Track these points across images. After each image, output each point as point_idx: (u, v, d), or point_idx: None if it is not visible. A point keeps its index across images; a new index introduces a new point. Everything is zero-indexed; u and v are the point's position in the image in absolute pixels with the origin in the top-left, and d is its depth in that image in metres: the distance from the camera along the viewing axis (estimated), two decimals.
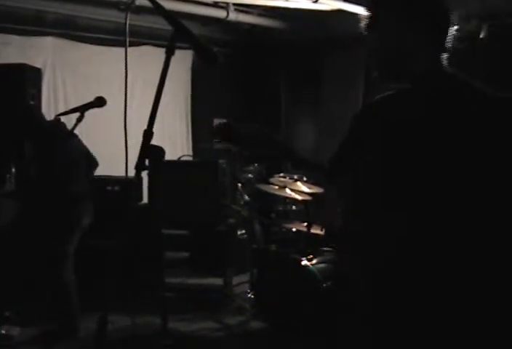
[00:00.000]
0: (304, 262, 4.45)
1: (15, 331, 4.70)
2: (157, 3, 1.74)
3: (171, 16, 1.69)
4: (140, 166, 1.66)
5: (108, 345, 1.73)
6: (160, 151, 1.69)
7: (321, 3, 6.20)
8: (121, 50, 6.19)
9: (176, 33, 1.68)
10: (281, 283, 4.61)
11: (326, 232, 4.61)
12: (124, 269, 1.75)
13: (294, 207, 5.93)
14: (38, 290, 4.86)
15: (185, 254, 6.35)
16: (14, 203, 5.16)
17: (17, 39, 6.27)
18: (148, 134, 1.67)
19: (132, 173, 1.79)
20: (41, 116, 4.96)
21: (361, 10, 6.28)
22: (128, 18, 2.21)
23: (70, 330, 4.55)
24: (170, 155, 3.87)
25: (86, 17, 6.66)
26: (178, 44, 1.70)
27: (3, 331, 4.65)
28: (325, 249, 4.77)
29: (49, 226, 4.47)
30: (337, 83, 7.43)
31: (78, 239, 4.63)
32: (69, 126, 4.44)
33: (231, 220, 5.99)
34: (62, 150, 4.68)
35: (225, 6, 6.66)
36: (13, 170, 5.25)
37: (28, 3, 6.08)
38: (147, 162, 1.69)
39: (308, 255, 4.52)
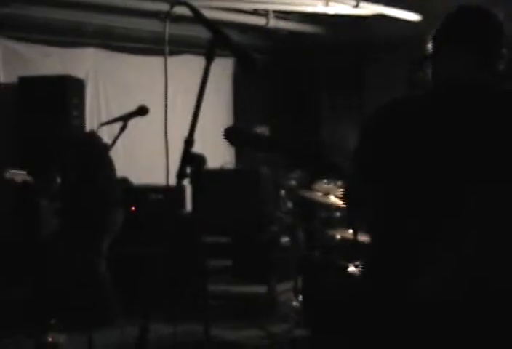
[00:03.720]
0: (351, 269, 4.40)
1: (61, 338, 4.74)
2: (196, 9, 1.74)
3: (210, 22, 1.69)
4: (181, 174, 1.65)
5: None
6: (201, 159, 1.68)
7: (361, 7, 6.15)
8: (160, 59, 6.24)
9: (215, 39, 1.68)
10: (327, 290, 4.56)
11: None
12: (166, 277, 1.74)
13: (338, 214, 5.87)
14: (78, 293, 4.95)
15: (228, 262, 6.33)
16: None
17: (58, 51, 6.37)
18: (189, 141, 1.66)
19: (172, 181, 1.78)
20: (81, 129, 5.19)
21: (400, 14, 6.23)
22: (167, 27, 2.20)
23: (108, 320, 4.78)
24: (212, 163, 3.86)
25: (125, 27, 6.74)
26: (219, 52, 1.69)
27: (49, 339, 4.69)
28: None
29: (86, 228, 4.79)
30: (378, 87, 7.35)
31: (111, 240, 5.02)
32: (111, 136, 4.52)
33: (274, 227, 5.96)
34: (100, 159, 4.89)
35: (265, 14, 6.66)
36: (58, 179, 5.34)
37: (67, 15, 6.17)
38: (188, 170, 1.68)
39: (355, 262, 4.47)
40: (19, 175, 4.77)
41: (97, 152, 5.03)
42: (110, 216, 5.03)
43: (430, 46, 1.86)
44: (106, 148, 4.76)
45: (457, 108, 1.70)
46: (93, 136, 5.08)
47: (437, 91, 1.81)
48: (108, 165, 5.08)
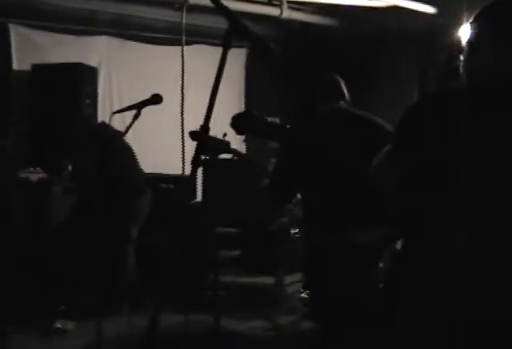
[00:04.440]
0: None
1: (70, 325, 4.77)
2: None
3: (228, 11, 1.68)
4: (196, 161, 1.65)
5: (160, 342, 1.72)
6: (220, 143, 1.69)
7: None
8: (174, 49, 6.26)
9: (232, 27, 1.67)
10: (336, 282, 4.55)
11: None
12: (176, 266, 1.74)
13: None
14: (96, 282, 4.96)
15: (237, 253, 6.34)
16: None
17: (72, 39, 6.38)
18: (205, 129, 1.65)
19: (186, 171, 1.78)
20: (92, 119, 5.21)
21: (415, 6, 6.19)
22: (184, 17, 2.20)
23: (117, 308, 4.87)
24: (223, 154, 3.88)
25: (140, 16, 6.72)
26: (232, 42, 1.68)
27: (58, 325, 4.72)
28: None
29: (112, 216, 4.73)
30: (390, 80, 7.32)
31: (139, 227, 5.11)
32: (123, 124, 4.53)
33: (284, 219, 5.95)
34: (117, 147, 4.89)
35: (279, 4, 6.63)
36: (69, 167, 5.37)
37: (81, 3, 6.17)
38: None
39: None
40: (34, 173, 4.80)
41: (109, 141, 5.04)
42: (130, 203, 5.07)
43: (468, 38, 1.82)
44: (118, 137, 4.77)
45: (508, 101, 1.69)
46: (105, 127, 5.08)
47: (485, 84, 1.77)
48: (122, 153, 5.09)
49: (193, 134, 3.08)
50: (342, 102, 3.17)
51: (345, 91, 3.23)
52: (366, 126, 3.05)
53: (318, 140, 3.03)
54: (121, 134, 4.55)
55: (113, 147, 5.04)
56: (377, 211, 2.70)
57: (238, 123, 2.89)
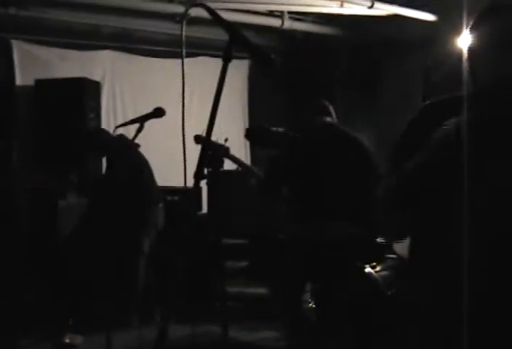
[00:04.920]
0: (367, 270, 4.38)
1: (78, 339, 4.76)
2: (213, 10, 1.74)
3: (227, 23, 1.69)
4: (198, 174, 1.65)
5: None
6: (219, 148, 1.71)
7: (376, 8, 6.13)
8: (176, 61, 6.29)
9: (232, 39, 1.68)
10: (344, 291, 4.54)
11: None
12: (183, 278, 1.74)
13: None
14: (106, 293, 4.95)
15: (244, 263, 6.32)
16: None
17: (75, 53, 6.41)
18: (207, 140, 1.66)
19: (189, 183, 1.79)
20: (103, 132, 5.24)
21: (416, 14, 6.20)
22: (184, 29, 2.21)
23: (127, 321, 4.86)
24: (227, 165, 3.90)
25: (142, 29, 6.75)
26: (234, 53, 1.69)
27: (66, 340, 4.71)
28: (389, 255, 4.68)
29: (125, 227, 4.72)
30: (394, 88, 7.33)
31: (153, 239, 5.13)
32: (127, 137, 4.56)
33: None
34: (131, 158, 4.94)
35: (280, 15, 6.65)
36: (75, 180, 5.40)
37: (84, 18, 6.19)
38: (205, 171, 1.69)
39: (372, 262, 4.45)
40: None
41: (124, 153, 5.08)
42: (150, 214, 5.15)
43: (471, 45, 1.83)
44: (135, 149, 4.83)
45: None
46: (123, 139, 5.11)
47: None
48: (141, 162, 5.18)
49: (197, 138, 3.68)
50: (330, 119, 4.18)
51: (333, 112, 4.25)
52: (349, 139, 4.09)
53: (313, 146, 3.95)
54: (136, 146, 4.62)
55: (130, 159, 5.07)
56: (353, 211, 3.71)
57: (252, 135, 3.64)
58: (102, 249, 4.90)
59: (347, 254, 3.92)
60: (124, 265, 4.87)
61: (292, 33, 7.20)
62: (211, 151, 2.67)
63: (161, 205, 5.27)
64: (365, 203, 3.71)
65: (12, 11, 5.63)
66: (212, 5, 1.79)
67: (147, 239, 5.10)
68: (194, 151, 1.74)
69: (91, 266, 5.11)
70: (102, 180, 5.36)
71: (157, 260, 5.23)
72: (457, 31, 5.34)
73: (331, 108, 4.26)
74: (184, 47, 2.15)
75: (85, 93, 5.80)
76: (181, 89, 2.17)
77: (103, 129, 5.67)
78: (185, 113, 2.22)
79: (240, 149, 7.89)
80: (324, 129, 4.13)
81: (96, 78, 6.28)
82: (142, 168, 5.17)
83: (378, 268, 4.39)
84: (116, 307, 4.67)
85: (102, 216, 4.97)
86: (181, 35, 2.14)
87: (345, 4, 6.12)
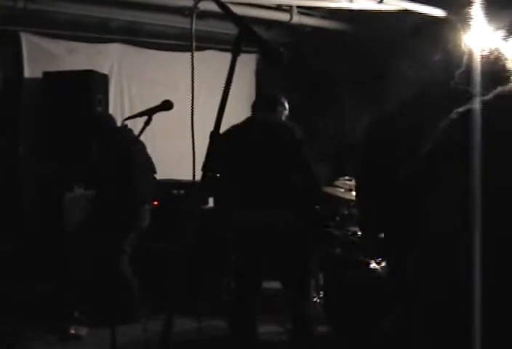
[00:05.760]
0: (373, 265, 4.39)
1: (83, 331, 4.79)
2: (223, 3, 1.73)
3: (237, 16, 1.68)
4: (207, 168, 1.65)
5: (173, 347, 1.73)
6: None
7: (386, 3, 6.11)
8: (185, 55, 6.28)
9: (241, 33, 1.67)
10: (349, 286, 4.55)
11: None
12: (189, 272, 1.74)
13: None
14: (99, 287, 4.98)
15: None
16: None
17: (84, 46, 6.41)
18: (215, 134, 1.66)
19: (197, 177, 1.79)
20: (110, 121, 5.20)
21: (426, 9, 6.17)
22: (193, 23, 2.21)
23: (131, 317, 4.83)
24: None
25: (151, 23, 6.74)
26: (242, 48, 1.69)
27: (72, 331, 4.74)
28: None
29: (111, 226, 4.81)
30: (401, 84, 7.30)
31: (135, 238, 5.10)
32: (135, 130, 4.56)
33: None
34: (127, 154, 4.91)
35: (289, 9, 6.63)
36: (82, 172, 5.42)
37: (93, 11, 6.19)
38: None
39: (377, 258, 4.46)
40: None
41: (122, 149, 5.06)
42: (135, 214, 5.09)
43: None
44: (137, 142, 4.81)
45: None
46: (123, 130, 5.08)
47: None
48: (137, 160, 5.12)
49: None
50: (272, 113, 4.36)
51: (281, 105, 4.47)
52: (282, 130, 4.12)
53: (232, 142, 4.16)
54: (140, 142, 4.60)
55: (127, 154, 5.06)
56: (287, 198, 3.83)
57: None
58: (105, 243, 4.96)
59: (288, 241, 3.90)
60: (107, 263, 4.98)
61: (300, 28, 7.17)
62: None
63: (147, 206, 5.20)
64: (291, 192, 3.85)
65: (21, 4, 5.64)
66: None
67: (128, 239, 5.08)
68: (202, 145, 1.74)
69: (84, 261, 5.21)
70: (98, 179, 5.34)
71: (161, 254, 5.25)
72: (467, 27, 5.31)
73: (280, 101, 4.49)
74: (194, 41, 2.14)
75: (93, 86, 5.80)
76: (189, 83, 2.17)
77: (110, 115, 5.65)
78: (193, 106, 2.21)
79: None
80: (262, 122, 4.31)
81: (104, 71, 6.29)
82: (132, 165, 5.08)
83: (384, 264, 4.40)
84: (121, 302, 4.70)
85: (103, 210, 5.02)
86: (191, 29, 2.13)
87: None
